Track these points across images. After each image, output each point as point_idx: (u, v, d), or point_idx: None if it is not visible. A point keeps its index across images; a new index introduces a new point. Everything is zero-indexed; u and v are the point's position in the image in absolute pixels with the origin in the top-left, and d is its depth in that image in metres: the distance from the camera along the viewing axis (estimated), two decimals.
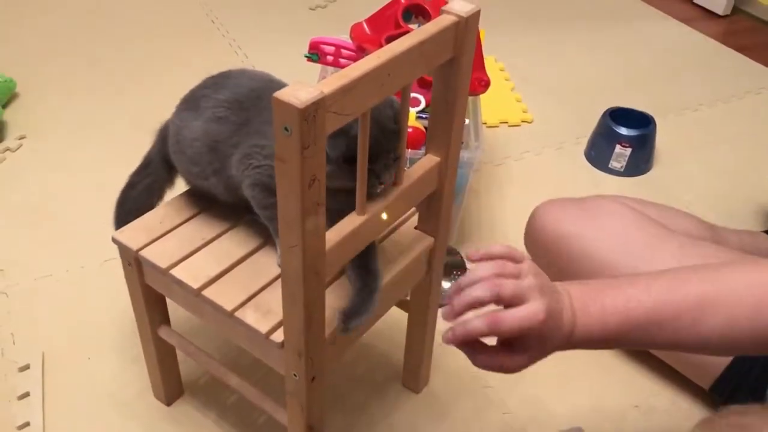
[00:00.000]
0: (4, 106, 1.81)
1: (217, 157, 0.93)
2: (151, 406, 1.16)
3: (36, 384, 1.18)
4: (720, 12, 2.54)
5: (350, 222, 0.82)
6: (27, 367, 1.20)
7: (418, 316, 1.12)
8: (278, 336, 0.85)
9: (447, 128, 0.90)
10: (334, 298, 0.89)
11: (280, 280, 0.90)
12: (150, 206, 1.04)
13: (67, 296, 1.35)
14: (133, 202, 1.06)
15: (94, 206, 1.53)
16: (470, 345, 0.82)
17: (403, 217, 1.04)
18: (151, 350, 1.09)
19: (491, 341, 0.83)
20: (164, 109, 1.02)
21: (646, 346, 0.82)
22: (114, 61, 2.07)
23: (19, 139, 1.73)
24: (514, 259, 0.81)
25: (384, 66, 0.72)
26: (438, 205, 0.97)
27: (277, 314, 0.87)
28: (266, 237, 0.98)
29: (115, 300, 1.31)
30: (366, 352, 1.28)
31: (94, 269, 1.41)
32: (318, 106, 0.65)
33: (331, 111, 0.68)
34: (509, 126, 1.90)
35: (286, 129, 0.65)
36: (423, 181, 0.92)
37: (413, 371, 1.21)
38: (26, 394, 1.16)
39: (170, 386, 1.16)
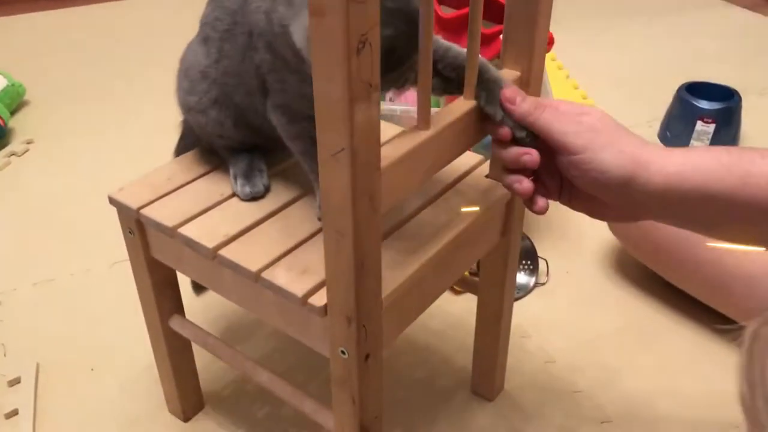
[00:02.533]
0: (13, 113, 1.67)
1: (214, 85, 0.75)
2: (166, 424, 0.95)
3: (27, 401, 0.97)
4: None
5: (411, 138, 0.62)
6: (17, 381, 1.00)
7: (491, 297, 0.90)
8: (319, 299, 0.64)
9: (529, 28, 0.69)
10: (392, 257, 0.68)
11: (319, 235, 0.70)
12: None
13: (69, 302, 1.16)
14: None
15: (103, 210, 1.34)
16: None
17: (472, 164, 0.83)
18: (162, 348, 0.88)
19: None
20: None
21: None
22: (132, 71, 1.92)
23: (27, 143, 1.57)
24: None
25: None
26: None
27: (317, 274, 0.66)
28: (303, 188, 0.78)
29: (124, 305, 1.10)
30: (425, 354, 1.05)
31: (102, 272, 1.21)
32: None
33: None
34: None
35: None
36: None
37: (486, 374, 0.97)
38: (14, 413, 0.95)
39: (188, 398, 0.95)
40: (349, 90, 0.49)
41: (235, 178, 0.77)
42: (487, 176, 0.81)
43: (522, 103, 0.64)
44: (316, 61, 0.49)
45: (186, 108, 0.79)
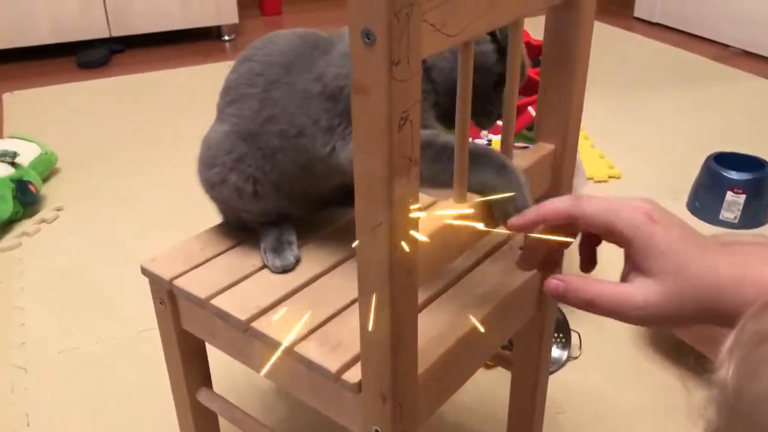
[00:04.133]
0: (45, 180, 1.69)
1: (239, 140, 0.75)
2: None
3: None
4: None
5: (448, 211, 0.61)
6: None
7: (526, 372, 0.87)
8: (353, 375, 0.62)
9: (564, 103, 0.70)
10: (427, 331, 0.67)
11: (351, 308, 0.70)
12: None
13: (93, 371, 1.15)
14: None
15: (130, 278, 1.34)
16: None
17: (507, 235, 0.82)
18: (189, 420, 0.87)
19: None
20: None
21: None
22: (163, 140, 1.95)
23: (57, 210, 1.59)
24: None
25: None
26: None
27: (350, 349, 0.65)
28: (335, 259, 0.77)
29: (149, 375, 1.10)
30: (457, 430, 1.02)
31: (128, 341, 1.21)
32: (412, 3, 0.46)
33: (428, 22, 0.48)
34: (596, 182, 1.69)
35: (367, 37, 0.46)
36: (532, 175, 0.70)
37: None
38: None
39: None
40: (390, 165, 0.49)
41: (265, 252, 0.77)
42: (520, 248, 0.80)
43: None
44: (357, 136, 0.49)
45: (208, 184, 0.79)
